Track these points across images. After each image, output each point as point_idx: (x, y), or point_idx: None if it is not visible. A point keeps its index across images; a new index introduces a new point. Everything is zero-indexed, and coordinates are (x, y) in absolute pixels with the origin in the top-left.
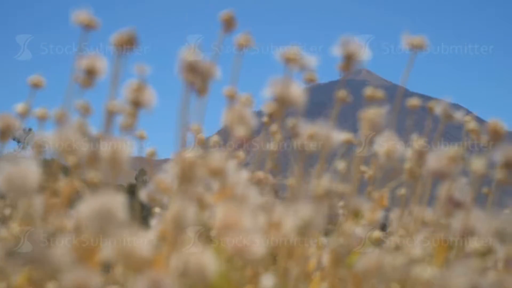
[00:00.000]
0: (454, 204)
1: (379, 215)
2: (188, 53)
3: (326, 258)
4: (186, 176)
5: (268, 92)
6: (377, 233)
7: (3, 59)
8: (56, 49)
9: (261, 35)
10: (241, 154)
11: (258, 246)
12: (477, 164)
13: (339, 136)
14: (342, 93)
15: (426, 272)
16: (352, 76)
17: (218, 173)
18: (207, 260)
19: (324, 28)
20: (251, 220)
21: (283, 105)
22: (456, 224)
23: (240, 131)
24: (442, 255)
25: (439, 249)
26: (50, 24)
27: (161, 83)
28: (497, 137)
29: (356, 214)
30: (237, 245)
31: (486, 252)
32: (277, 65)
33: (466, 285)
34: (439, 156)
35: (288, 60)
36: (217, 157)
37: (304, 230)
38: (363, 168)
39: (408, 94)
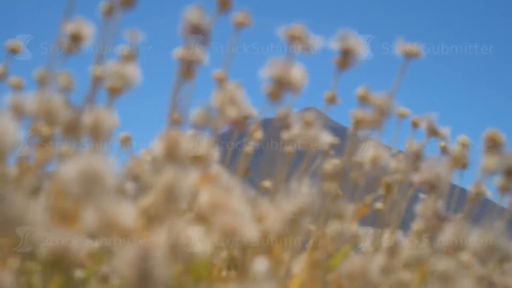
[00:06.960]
0: (440, 218)
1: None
2: (192, 14)
3: (302, 260)
4: (171, 154)
5: (266, 73)
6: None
7: (3, 59)
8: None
9: (258, 34)
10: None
11: (249, 228)
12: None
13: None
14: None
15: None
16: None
17: (201, 160)
18: (197, 237)
19: (323, 28)
20: (240, 204)
21: (282, 87)
22: (446, 238)
23: (231, 112)
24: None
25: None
26: (50, 24)
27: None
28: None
29: (339, 217)
30: (227, 225)
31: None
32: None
33: None
34: (432, 167)
35: (293, 39)
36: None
37: (299, 217)
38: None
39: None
